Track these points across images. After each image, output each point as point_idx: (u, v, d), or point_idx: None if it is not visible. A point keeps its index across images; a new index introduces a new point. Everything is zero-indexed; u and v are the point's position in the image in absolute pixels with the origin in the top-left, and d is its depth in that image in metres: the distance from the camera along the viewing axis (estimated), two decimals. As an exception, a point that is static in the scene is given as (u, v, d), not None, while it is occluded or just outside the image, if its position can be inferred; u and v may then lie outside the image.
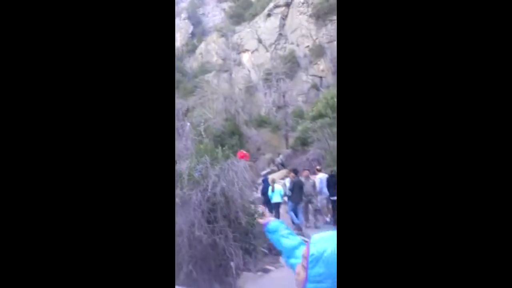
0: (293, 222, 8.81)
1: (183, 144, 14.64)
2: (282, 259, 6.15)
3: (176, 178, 6.15)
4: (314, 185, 9.73)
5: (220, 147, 6.74)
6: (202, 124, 17.33)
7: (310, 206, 9.90)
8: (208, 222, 5.63)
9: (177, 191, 5.85)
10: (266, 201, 9.43)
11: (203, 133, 16.00)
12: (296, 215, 9.03)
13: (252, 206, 6.24)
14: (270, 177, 12.00)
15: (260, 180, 13.42)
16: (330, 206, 9.88)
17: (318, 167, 11.18)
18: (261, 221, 1.96)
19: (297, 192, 9.08)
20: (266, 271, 5.68)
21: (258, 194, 10.77)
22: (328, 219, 10.01)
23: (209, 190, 5.67)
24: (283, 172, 15.13)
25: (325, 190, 9.79)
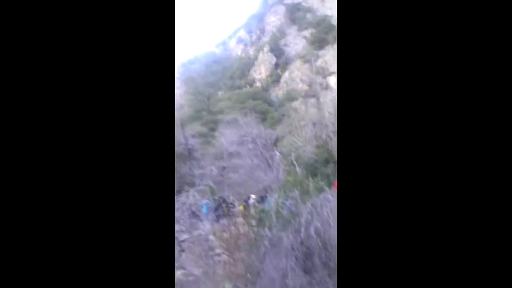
0: None
1: (274, 176, 14.07)
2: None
3: (263, 216, 5.44)
4: None
5: (310, 178, 5.79)
6: (292, 153, 16.63)
7: None
8: (305, 271, 4.63)
9: (265, 232, 5.09)
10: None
11: (294, 162, 15.22)
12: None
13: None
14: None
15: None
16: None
17: None
18: None
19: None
20: None
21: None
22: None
23: (302, 231, 4.71)
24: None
25: None
